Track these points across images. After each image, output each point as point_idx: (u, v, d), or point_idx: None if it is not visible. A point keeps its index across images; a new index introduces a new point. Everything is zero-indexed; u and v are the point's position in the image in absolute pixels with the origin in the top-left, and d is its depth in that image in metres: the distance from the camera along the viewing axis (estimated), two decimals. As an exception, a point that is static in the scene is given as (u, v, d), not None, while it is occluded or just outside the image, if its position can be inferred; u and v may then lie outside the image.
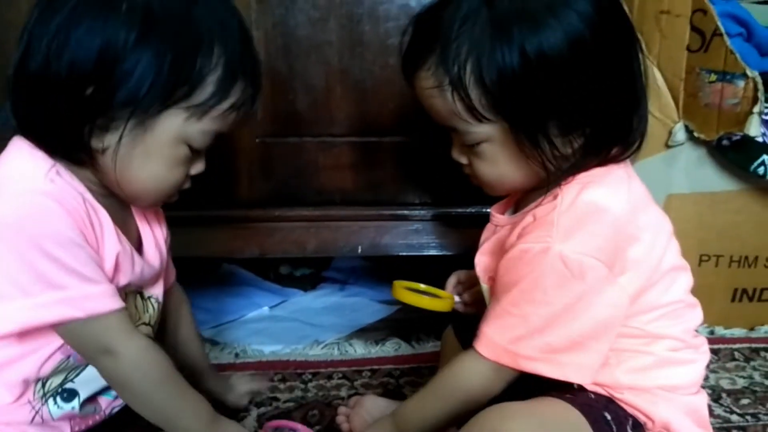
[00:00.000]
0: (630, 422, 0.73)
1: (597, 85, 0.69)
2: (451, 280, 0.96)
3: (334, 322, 1.37)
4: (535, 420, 0.68)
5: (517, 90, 0.68)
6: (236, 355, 1.21)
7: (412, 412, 0.79)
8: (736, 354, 1.21)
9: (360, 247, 1.12)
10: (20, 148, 0.67)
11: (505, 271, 0.73)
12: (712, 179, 1.21)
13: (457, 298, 0.94)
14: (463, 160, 0.78)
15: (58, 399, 0.73)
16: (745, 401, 1.07)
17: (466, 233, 1.11)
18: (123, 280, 0.72)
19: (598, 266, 0.68)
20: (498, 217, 0.83)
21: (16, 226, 0.62)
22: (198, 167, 0.74)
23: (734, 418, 1.02)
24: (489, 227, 0.85)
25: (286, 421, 0.96)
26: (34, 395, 0.71)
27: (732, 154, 1.16)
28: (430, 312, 0.92)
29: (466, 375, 0.74)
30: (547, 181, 0.72)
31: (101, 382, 0.73)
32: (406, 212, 1.12)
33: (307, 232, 1.11)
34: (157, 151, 0.68)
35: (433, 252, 1.12)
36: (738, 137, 1.13)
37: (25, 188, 0.64)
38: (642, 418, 0.74)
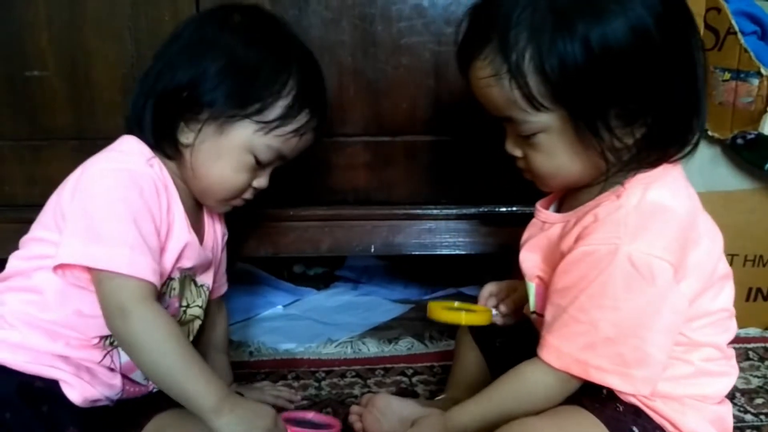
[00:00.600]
0: None
1: (659, 74, 0.67)
2: (484, 293, 0.94)
3: (347, 320, 1.38)
4: None
5: (578, 79, 0.66)
6: (250, 353, 1.23)
7: (469, 420, 0.76)
8: (751, 353, 1.21)
9: (373, 247, 1.12)
10: (130, 139, 0.83)
11: (565, 274, 0.71)
12: (726, 178, 1.21)
13: (493, 311, 0.92)
14: (518, 153, 0.76)
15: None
16: (759, 401, 1.06)
17: (480, 232, 1.11)
18: (187, 263, 0.84)
19: (667, 268, 0.67)
20: (545, 213, 0.81)
21: (108, 189, 0.76)
22: (261, 181, 0.86)
23: (748, 417, 1.02)
24: (535, 223, 0.82)
25: (296, 412, 0.97)
26: (107, 342, 0.81)
27: (746, 153, 1.16)
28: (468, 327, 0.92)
29: (530, 385, 0.73)
30: (606, 174, 0.71)
31: None
32: (419, 211, 1.12)
33: (321, 231, 1.11)
34: (227, 152, 0.82)
35: (446, 251, 1.12)
36: (752, 136, 1.12)
37: (125, 166, 0.79)
38: (669, 428, 0.73)
